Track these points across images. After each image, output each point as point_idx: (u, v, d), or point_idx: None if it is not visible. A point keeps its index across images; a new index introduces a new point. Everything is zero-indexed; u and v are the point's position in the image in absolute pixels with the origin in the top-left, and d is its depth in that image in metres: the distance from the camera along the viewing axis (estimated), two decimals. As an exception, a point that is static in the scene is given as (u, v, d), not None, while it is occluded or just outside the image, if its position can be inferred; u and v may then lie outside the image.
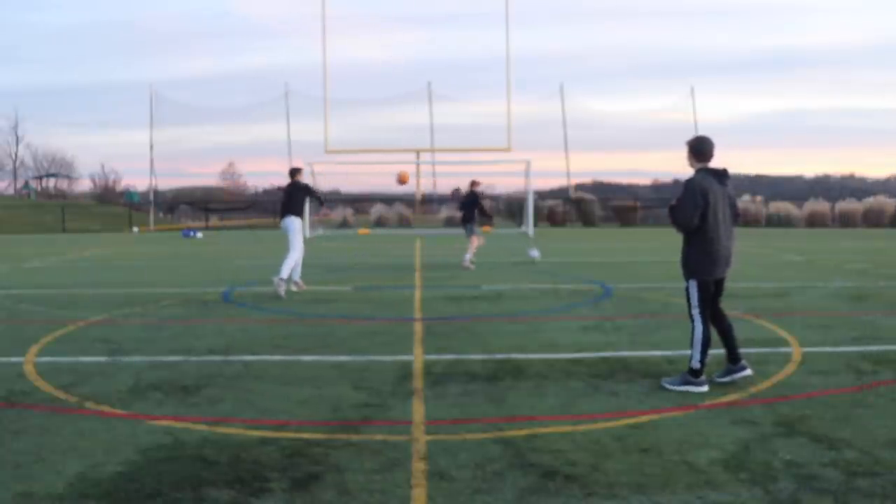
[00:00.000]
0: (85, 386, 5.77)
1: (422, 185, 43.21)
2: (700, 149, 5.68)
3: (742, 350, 6.27)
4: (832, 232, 31.70)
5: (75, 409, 5.15)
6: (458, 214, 19.22)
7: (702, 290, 5.66)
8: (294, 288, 11.50)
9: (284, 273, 11.08)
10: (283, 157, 42.41)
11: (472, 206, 15.69)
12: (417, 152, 40.79)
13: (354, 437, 4.53)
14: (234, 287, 12.06)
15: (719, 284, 5.78)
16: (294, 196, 11.82)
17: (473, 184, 16.07)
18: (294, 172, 12.18)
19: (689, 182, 5.59)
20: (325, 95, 37.12)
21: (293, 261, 11.37)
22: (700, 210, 5.50)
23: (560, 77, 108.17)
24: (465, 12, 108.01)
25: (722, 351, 5.82)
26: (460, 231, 18.10)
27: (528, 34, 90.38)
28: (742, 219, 33.25)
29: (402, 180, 14.65)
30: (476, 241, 15.60)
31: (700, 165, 5.67)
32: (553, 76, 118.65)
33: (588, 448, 4.31)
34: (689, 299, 5.73)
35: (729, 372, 5.74)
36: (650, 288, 11.52)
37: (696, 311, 5.68)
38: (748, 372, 5.73)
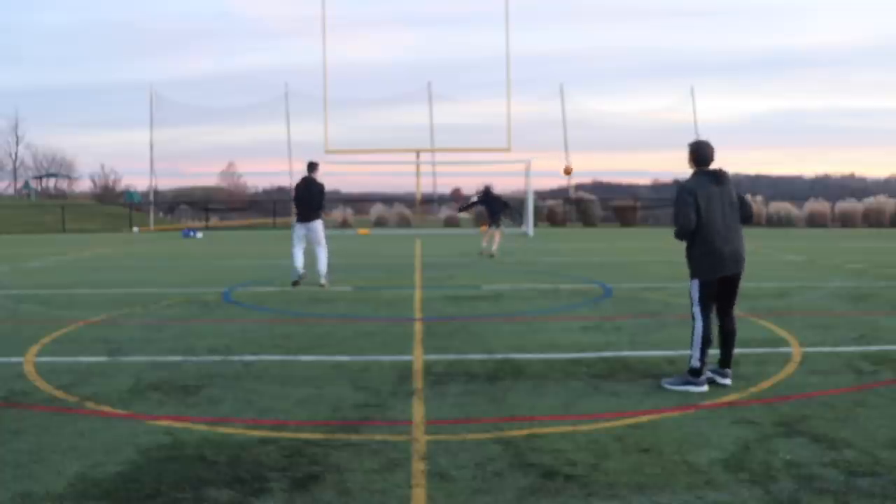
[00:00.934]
0: (85, 386, 5.77)
1: (421, 185, 43.15)
2: (698, 154, 5.71)
3: (742, 350, 6.27)
4: (832, 232, 31.69)
5: (75, 409, 5.15)
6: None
7: (703, 288, 5.67)
8: (324, 282, 11.97)
9: (325, 269, 12.05)
10: (283, 157, 42.36)
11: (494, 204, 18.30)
12: (417, 152, 40.71)
13: (354, 437, 4.53)
14: (234, 287, 12.06)
15: (730, 285, 5.74)
16: (317, 198, 12.10)
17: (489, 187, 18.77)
18: (312, 167, 12.28)
19: (680, 187, 5.71)
20: (324, 95, 37.13)
21: (326, 258, 12.18)
22: (692, 211, 5.53)
23: (560, 77, 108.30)
24: (465, 12, 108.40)
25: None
26: (459, 231, 20.08)
27: (528, 34, 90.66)
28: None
29: (566, 171, 18.38)
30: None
31: (698, 169, 5.71)
32: (553, 76, 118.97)
33: (588, 448, 4.31)
34: (690, 297, 5.75)
35: (712, 371, 5.74)
36: (650, 288, 11.52)
37: (696, 309, 5.69)
38: (727, 381, 5.67)
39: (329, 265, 12.23)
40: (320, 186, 12.20)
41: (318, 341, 7.51)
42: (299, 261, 12.08)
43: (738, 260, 5.68)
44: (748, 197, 5.85)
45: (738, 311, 8.55)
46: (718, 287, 5.70)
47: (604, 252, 19.68)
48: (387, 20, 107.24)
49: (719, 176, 5.65)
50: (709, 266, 5.63)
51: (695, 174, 5.68)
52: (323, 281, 11.95)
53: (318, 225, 12.15)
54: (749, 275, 12.93)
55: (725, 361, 5.74)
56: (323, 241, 12.19)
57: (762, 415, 4.93)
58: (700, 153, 5.69)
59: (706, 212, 5.54)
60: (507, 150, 37.45)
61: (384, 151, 41.06)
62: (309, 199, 12.06)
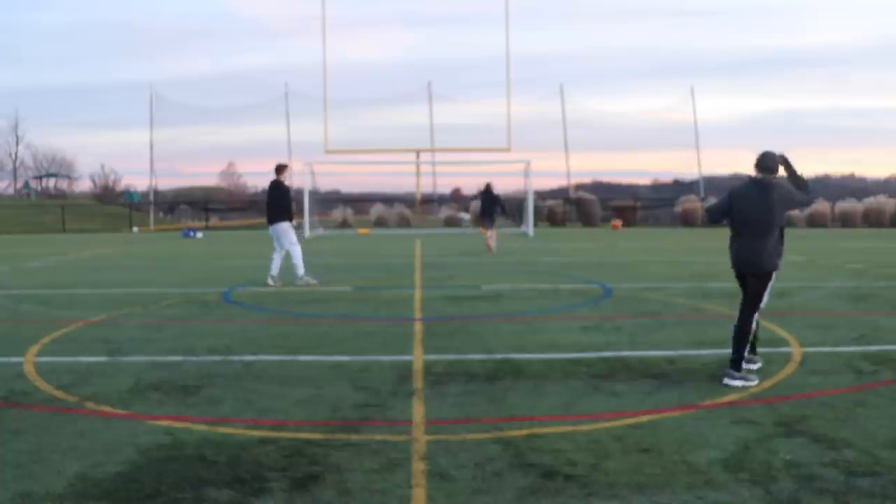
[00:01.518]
0: (85, 386, 5.77)
1: (421, 184, 43.17)
2: (757, 160, 6.01)
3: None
4: (832, 232, 31.69)
5: (75, 409, 5.15)
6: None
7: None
8: (274, 283, 12.05)
9: (301, 269, 12.20)
10: (282, 157, 42.43)
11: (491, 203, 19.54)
12: (417, 152, 40.76)
13: (354, 437, 4.53)
14: (234, 287, 12.06)
15: (748, 284, 6.03)
16: (282, 200, 12.31)
17: (489, 185, 19.79)
18: (279, 169, 12.39)
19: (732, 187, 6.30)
20: (324, 95, 37.20)
21: (300, 256, 12.26)
22: (724, 210, 6.09)
23: (560, 77, 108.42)
24: (465, 12, 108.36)
25: (726, 351, 5.87)
26: (459, 231, 21.11)
27: (528, 34, 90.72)
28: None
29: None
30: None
31: (754, 174, 5.99)
32: (553, 76, 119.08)
33: (588, 448, 4.31)
34: None
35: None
36: (650, 288, 11.52)
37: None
38: (733, 382, 5.64)
39: (305, 263, 12.35)
40: (285, 189, 12.50)
41: (318, 341, 7.51)
42: (272, 265, 12.28)
43: (745, 261, 5.99)
44: (796, 193, 6.02)
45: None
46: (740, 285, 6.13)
47: (604, 252, 19.68)
48: (387, 20, 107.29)
49: (763, 184, 5.87)
50: (731, 260, 6.13)
51: (749, 179, 6.04)
52: (299, 282, 12.08)
53: (283, 227, 12.23)
54: (749, 275, 12.94)
55: (733, 361, 5.76)
56: (290, 241, 12.24)
57: (762, 415, 4.93)
58: (758, 159, 5.99)
59: (736, 213, 5.98)
60: (507, 150, 37.52)
61: (384, 151, 41.13)
62: (271, 201, 12.35)
